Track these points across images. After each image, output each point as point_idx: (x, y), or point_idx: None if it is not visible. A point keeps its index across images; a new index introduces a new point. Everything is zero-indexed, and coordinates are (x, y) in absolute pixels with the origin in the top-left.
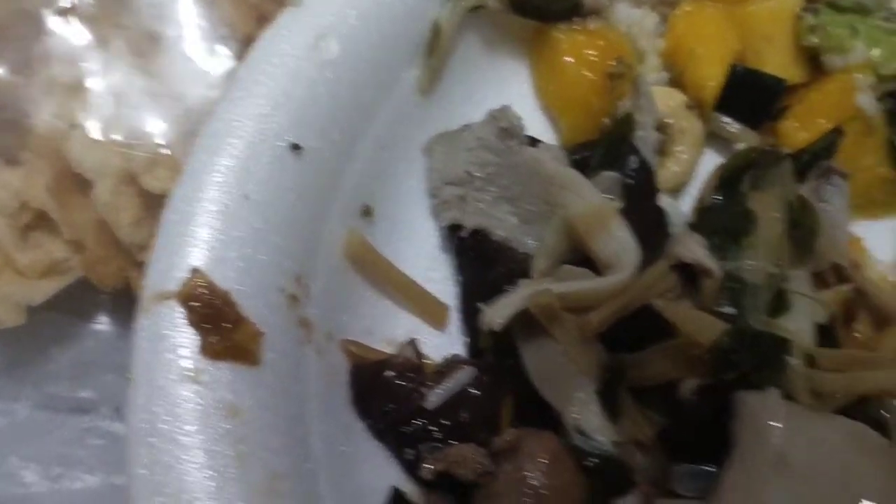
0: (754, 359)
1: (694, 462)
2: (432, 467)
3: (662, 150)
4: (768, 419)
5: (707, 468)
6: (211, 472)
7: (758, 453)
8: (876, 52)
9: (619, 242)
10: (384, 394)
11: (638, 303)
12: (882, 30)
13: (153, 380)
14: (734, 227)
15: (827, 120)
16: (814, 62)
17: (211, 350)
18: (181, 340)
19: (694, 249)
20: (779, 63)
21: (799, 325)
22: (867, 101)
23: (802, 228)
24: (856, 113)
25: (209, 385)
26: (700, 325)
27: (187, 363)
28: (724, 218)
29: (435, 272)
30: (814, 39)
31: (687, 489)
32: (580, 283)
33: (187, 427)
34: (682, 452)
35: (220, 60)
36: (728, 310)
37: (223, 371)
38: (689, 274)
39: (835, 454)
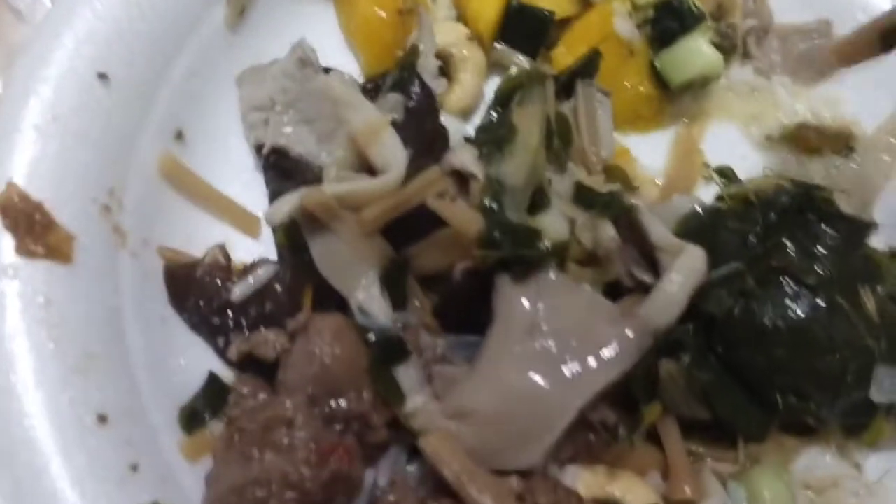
0: (511, 245)
1: (462, 334)
2: (237, 349)
3: (449, 77)
4: (521, 294)
5: (474, 338)
6: (28, 353)
7: (512, 321)
8: None
9: (389, 150)
10: (196, 291)
11: (414, 202)
12: None
13: None
14: (499, 139)
15: (591, 46)
16: None
17: (26, 250)
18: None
19: (463, 157)
20: None
21: (554, 220)
22: (624, 27)
23: (560, 138)
24: (616, 38)
25: (26, 280)
26: (465, 218)
27: (7, 259)
28: (491, 131)
29: (252, 189)
30: None
31: (458, 358)
32: (352, 184)
33: (9, 314)
34: (454, 327)
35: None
36: (493, 206)
37: (38, 268)
38: (461, 178)
39: (576, 317)
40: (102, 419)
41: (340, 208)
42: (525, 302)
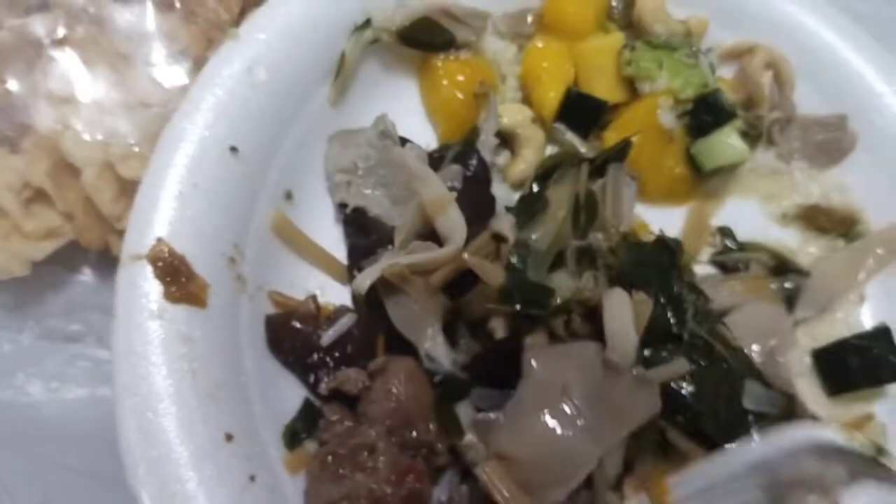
0: (525, 298)
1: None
2: (327, 385)
3: (513, 152)
4: (548, 357)
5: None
6: (171, 381)
7: (541, 381)
8: (676, 81)
9: (453, 222)
10: (291, 336)
11: (467, 264)
12: (683, 64)
13: (130, 317)
14: (533, 209)
15: (636, 131)
16: (631, 87)
17: (171, 296)
18: (150, 289)
19: (502, 224)
20: (604, 87)
21: (561, 280)
22: (667, 118)
23: (587, 213)
24: (658, 126)
25: (170, 321)
26: (491, 273)
27: (154, 305)
28: (528, 203)
29: (342, 240)
30: (629, 70)
31: (483, 405)
32: (422, 255)
33: (155, 350)
34: (486, 378)
35: (177, 76)
36: (517, 265)
37: (180, 311)
38: (500, 241)
39: (596, 378)
40: (229, 437)
41: (411, 274)
42: (552, 365)
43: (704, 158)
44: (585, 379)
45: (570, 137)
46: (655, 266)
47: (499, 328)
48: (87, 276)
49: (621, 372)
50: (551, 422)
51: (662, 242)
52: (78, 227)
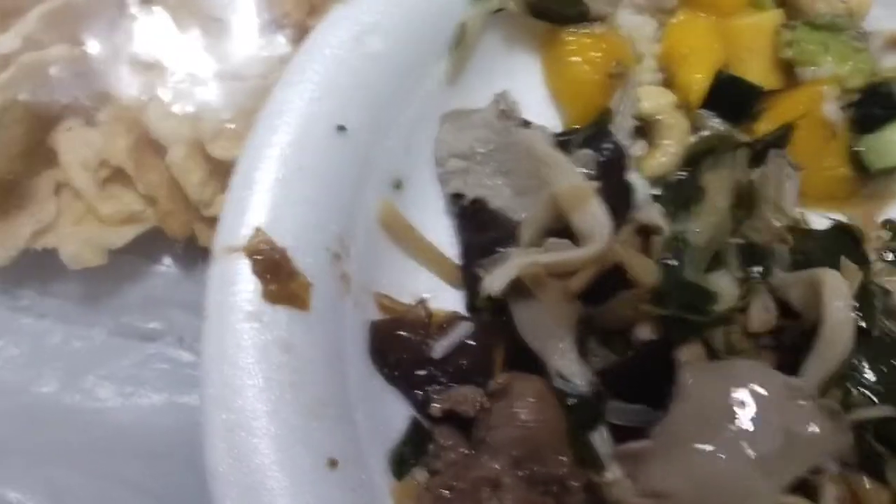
0: (682, 301)
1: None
2: (440, 406)
3: (651, 143)
4: (711, 375)
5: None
6: (269, 395)
7: (702, 403)
8: (843, 68)
9: (595, 218)
10: (397, 347)
11: (609, 264)
12: (850, 48)
13: (223, 318)
14: (686, 198)
15: (794, 122)
16: (788, 72)
17: (270, 295)
18: (246, 286)
19: (651, 213)
20: (758, 71)
21: (724, 283)
22: (832, 110)
23: (744, 206)
24: (821, 119)
25: (268, 324)
26: (644, 268)
27: (250, 305)
28: (680, 190)
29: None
30: (789, 53)
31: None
32: (563, 254)
33: (250, 357)
34: (628, 394)
35: (275, 45)
36: (672, 263)
37: (280, 313)
38: (646, 235)
39: (768, 401)
40: (333, 463)
41: (547, 277)
42: (716, 384)
43: (874, 157)
44: (756, 403)
45: (717, 125)
46: (837, 256)
47: (646, 336)
48: (167, 266)
49: (805, 399)
50: (715, 452)
51: (843, 229)
52: (161, 212)
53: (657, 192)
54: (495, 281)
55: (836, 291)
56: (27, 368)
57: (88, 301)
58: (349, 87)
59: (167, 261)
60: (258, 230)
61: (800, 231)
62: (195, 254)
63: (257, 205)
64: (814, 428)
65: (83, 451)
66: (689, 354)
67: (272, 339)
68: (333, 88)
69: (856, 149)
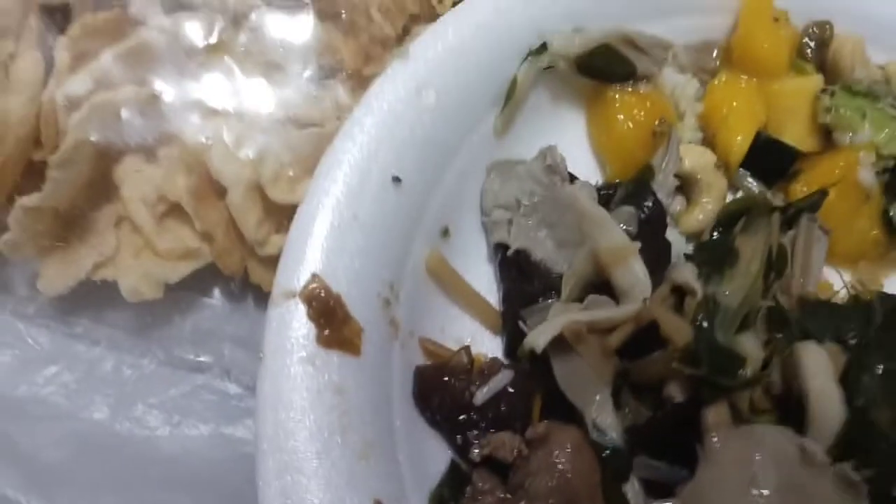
0: (713, 364)
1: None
2: (479, 451)
3: (690, 200)
4: (736, 440)
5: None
6: (320, 437)
7: (728, 467)
8: (880, 135)
9: (635, 276)
10: (441, 392)
11: (646, 321)
12: (888, 115)
13: (278, 361)
14: (720, 260)
15: (828, 185)
16: (826, 136)
17: (324, 340)
18: (301, 331)
19: (685, 273)
20: (796, 134)
21: (750, 346)
22: (867, 175)
23: (775, 270)
24: (856, 183)
25: (321, 368)
26: (677, 328)
27: (305, 350)
28: (714, 252)
29: (495, 282)
30: (827, 118)
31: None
32: (602, 312)
33: (303, 400)
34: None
35: (331, 92)
36: (704, 324)
37: (332, 357)
38: (680, 294)
39: (791, 468)
40: None
41: (587, 333)
42: (739, 449)
43: None
44: (778, 470)
45: (753, 185)
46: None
47: (677, 395)
48: (218, 301)
49: (822, 467)
50: None
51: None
52: (217, 249)
53: (691, 250)
54: (539, 337)
55: (815, 369)
56: (79, 395)
57: (140, 331)
58: (405, 139)
59: (218, 295)
60: (315, 276)
61: (812, 303)
62: (245, 290)
63: (314, 251)
64: (833, 497)
65: (132, 480)
66: (716, 416)
67: (325, 382)
68: (389, 141)
69: (891, 213)
